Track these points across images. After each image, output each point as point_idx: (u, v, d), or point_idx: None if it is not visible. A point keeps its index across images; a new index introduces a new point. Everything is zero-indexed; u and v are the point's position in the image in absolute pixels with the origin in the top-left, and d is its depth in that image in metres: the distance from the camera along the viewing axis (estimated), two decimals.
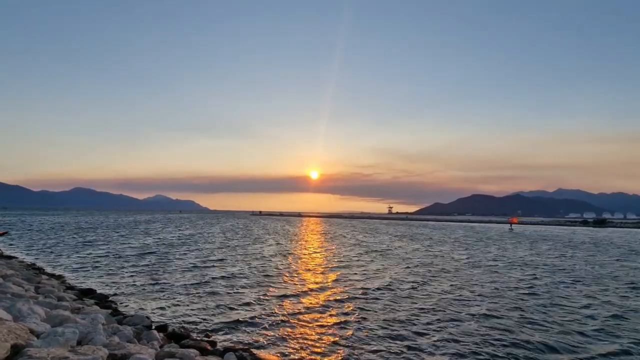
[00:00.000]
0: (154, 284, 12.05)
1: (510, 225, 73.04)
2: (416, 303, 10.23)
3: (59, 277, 12.78)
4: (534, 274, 15.35)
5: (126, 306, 9.38)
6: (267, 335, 7.46)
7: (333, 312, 9.00)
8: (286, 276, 14.03)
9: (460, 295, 11.25)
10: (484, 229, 64.83)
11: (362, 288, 11.88)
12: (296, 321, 8.37)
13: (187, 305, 9.55)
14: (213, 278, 13.28)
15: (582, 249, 27.91)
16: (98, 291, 10.76)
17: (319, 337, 7.39)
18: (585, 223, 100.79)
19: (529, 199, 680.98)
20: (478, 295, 11.30)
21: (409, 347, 6.91)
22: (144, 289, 11.32)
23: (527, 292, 11.86)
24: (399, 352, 6.69)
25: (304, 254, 21.29)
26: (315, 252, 22.59)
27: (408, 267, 16.82)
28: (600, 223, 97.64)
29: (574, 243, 34.33)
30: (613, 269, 17.58)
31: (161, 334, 6.92)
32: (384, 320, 8.49)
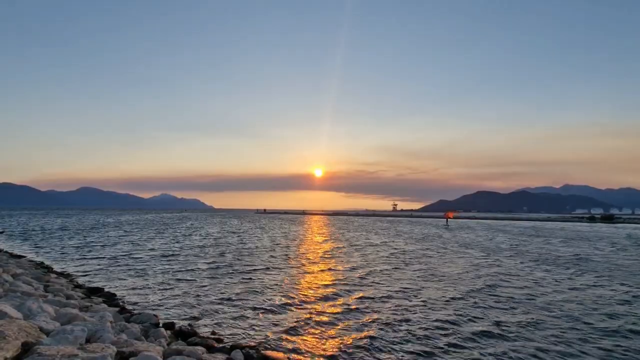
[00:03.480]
0: (160, 283, 12.14)
1: (447, 221, 68.40)
2: (439, 310, 10.19)
3: (68, 276, 12.93)
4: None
5: (133, 304, 9.46)
6: (274, 333, 7.47)
7: (343, 314, 8.90)
8: (296, 275, 14.05)
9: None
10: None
11: (379, 294, 11.66)
12: (303, 320, 8.36)
13: (194, 303, 9.60)
14: (219, 277, 13.35)
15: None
16: (106, 289, 10.87)
17: (325, 336, 7.39)
18: (592, 219, 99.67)
19: (535, 195, 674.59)
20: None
21: (421, 352, 6.88)
22: (151, 288, 11.41)
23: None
24: (409, 355, 6.67)
25: (317, 257, 21.29)
26: (333, 264, 22.55)
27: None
28: (608, 219, 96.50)
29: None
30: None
31: (168, 332, 6.98)
32: (395, 323, 8.41)
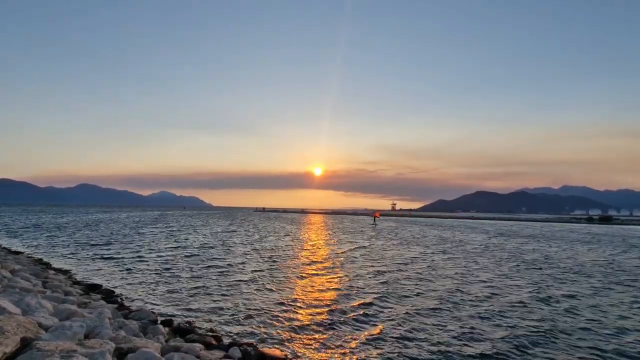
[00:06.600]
0: (159, 280, 12.16)
1: (374, 220, 68.95)
2: (434, 299, 10.24)
3: (66, 272, 12.94)
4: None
5: (132, 301, 9.49)
6: (272, 330, 7.51)
7: (340, 314, 8.92)
8: (293, 275, 14.09)
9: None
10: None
11: (377, 294, 11.72)
12: (301, 318, 8.42)
13: (192, 301, 9.64)
14: (218, 275, 13.38)
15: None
16: (104, 286, 10.88)
17: (322, 334, 7.43)
18: (590, 220, 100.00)
19: (534, 196, 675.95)
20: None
21: (421, 351, 6.92)
22: (149, 284, 11.43)
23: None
24: (406, 353, 6.72)
25: (314, 256, 21.35)
26: (329, 259, 22.59)
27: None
28: (606, 220, 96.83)
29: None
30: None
31: (167, 329, 7.02)
32: (395, 321, 8.47)
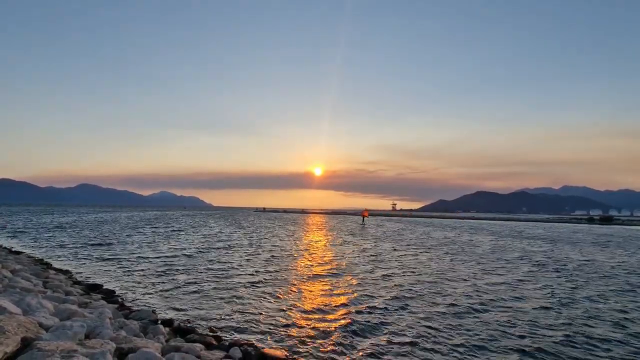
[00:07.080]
0: (159, 280, 12.16)
1: (363, 219, 68.89)
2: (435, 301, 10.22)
3: (66, 272, 12.94)
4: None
5: (132, 301, 9.49)
6: (272, 330, 7.51)
7: (344, 315, 8.90)
8: (295, 277, 14.07)
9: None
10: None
11: (377, 294, 11.68)
12: (302, 318, 8.42)
13: (193, 301, 9.63)
14: (218, 275, 13.38)
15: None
16: (104, 286, 10.88)
17: (323, 334, 7.42)
18: (591, 220, 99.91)
19: (534, 196, 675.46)
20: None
21: (425, 353, 6.90)
22: (149, 284, 11.43)
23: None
24: (406, 353, 6.70)
25: (315, 257, 21.33)
26: (326, 253, 22.59)
27: None
28: (607, 220, 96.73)
29: None
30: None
31: (167, 329, 7.02)
32: (402, 326, 8.40)
